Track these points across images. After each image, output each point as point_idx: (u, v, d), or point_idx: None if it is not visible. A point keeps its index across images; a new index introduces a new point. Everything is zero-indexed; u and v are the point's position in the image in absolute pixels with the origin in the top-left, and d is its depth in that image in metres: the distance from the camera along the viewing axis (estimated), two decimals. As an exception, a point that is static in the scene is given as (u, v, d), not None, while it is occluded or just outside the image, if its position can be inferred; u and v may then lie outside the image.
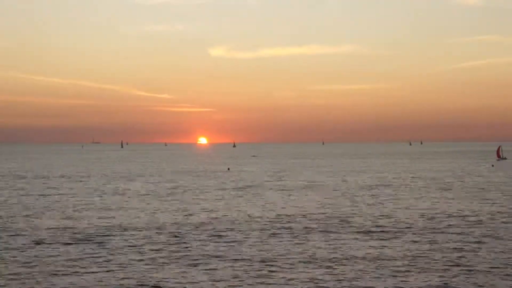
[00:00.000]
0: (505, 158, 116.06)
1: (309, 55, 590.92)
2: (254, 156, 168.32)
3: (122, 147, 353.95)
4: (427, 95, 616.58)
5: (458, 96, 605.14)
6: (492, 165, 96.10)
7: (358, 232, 27.84)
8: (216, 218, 33.21)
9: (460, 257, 21.94)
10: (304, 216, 33.80)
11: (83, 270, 20.01)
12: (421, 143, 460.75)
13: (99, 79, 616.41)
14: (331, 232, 27.86)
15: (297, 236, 26.74)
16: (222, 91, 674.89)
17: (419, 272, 19.54)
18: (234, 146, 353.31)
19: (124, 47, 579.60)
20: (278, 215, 34.38)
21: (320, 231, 28.01)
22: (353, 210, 36.78)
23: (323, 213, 34.97)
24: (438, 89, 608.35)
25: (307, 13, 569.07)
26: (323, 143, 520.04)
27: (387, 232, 27.83)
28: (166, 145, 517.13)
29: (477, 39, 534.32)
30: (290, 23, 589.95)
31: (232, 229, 28.82)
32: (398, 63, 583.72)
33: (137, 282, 18.49)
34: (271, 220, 32.26)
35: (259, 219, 32.51)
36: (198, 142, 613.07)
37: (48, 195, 47.82)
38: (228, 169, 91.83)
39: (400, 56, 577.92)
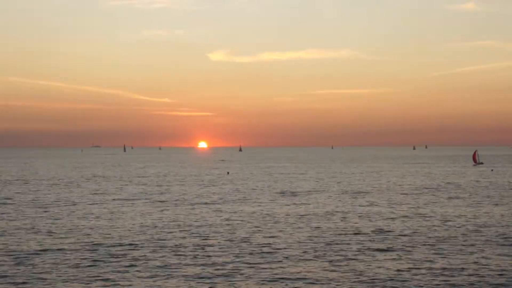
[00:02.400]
0: (482, 163, 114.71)
1: (308, 59, 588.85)
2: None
3: (125, 151, 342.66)
4: (427, 100, 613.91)
5: (458, 100, 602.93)
6: (492, 170, 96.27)
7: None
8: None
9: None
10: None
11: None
12: (426, 147, 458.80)
13: (99, 84, 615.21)
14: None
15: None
16: (222, 95, 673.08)
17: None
18: (240, 150, 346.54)
19: (124, 52, 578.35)
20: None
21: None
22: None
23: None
24: (438, 94, 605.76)
25: (306, 18, 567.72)
26: (332, 148, 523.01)
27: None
28: (160, 149, 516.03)
29: (477, 44, 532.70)
30: (289, 27, 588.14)
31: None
32: (398, 68, 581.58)
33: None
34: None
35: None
36: (199, 146, 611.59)
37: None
38: (228, 173, 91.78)
39: (399, 60, 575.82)
